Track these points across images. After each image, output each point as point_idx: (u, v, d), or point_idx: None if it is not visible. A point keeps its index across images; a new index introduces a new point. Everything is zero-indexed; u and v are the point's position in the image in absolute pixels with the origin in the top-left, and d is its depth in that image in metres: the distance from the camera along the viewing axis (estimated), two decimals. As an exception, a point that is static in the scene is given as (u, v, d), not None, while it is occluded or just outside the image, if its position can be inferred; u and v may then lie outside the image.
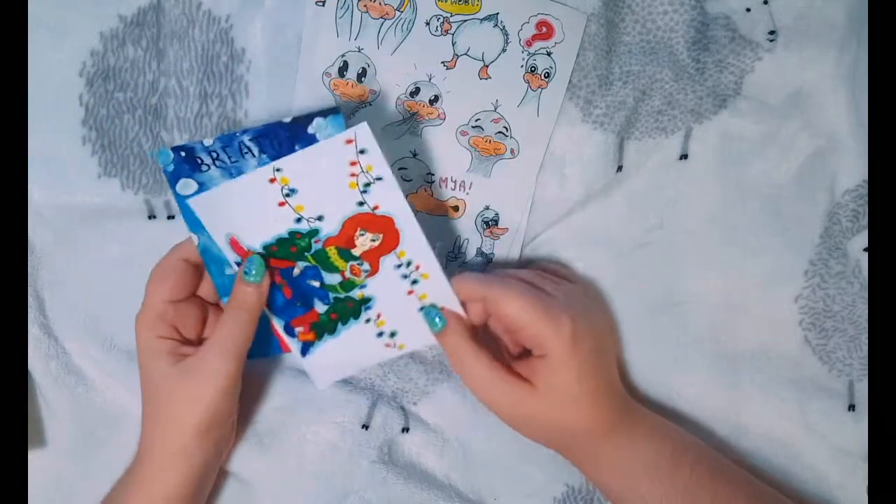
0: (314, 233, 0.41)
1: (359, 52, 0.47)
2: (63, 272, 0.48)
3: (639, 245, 0.48)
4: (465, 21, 0.46)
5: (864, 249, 0.46)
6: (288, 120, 0.40)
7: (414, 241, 0.41)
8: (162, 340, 0.42)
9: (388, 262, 0.42)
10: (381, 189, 0.39)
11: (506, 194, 0.48)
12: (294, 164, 0.38)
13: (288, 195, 0.39)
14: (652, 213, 0.48)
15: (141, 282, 0.47)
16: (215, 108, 0.47)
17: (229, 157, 0.40)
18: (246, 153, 0.40)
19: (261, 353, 0.45)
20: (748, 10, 0.47)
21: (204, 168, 0.41)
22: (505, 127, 0.47)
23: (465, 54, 0.47)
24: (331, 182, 0.39)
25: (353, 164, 0.39)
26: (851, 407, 0.47)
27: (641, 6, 0.47)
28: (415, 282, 0.42)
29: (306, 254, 0.42)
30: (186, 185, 0.41)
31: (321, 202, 0.40)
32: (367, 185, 0.39)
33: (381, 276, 0.42)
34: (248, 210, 0.40)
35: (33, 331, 0.47)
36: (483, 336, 0.44)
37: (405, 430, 0.48)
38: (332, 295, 0.43)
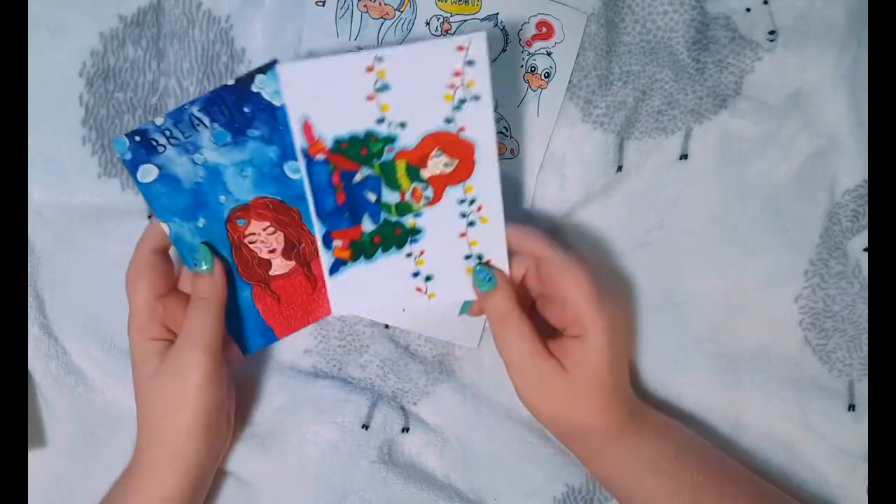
0: (390, 140, 0.40)
1: (358, 50, 0.47)
2: (63, 272, 0.48)
3: (639, 245, 0.48)
4: (465, 21, 0.46)
5: (864, 249, 0.46)
6: (231, 82, 0.40)
7: (486, 177, 0.40)
8: (153, 343, 0.41)
9: (452, 194, 0.40)
10: (475, 109, 0.38)
11: (507, 195, 0.48)
12: (398, 57, 0.37)
13: (380, 90, 0.38)
14: (652, 213, 0.48)
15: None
16: (215, 108, 0.47)
17: (183, 133, 0.40)
18: (198, 125, 0.40)
19: (255, 344, 0.45)
20: (748, 10, 0.47)
21: (160, 149, 0.40)
22: (505, 127, 0.47)
23: (465, 54, 0.47)
24: (427, 87, 0.38)
25: (456, 73, 0.38)
26: (851, 407, 0.47)
27: (641, 6, 0.47)
28: (471, 223, 0.41)
29: (374, 161, 0.40)
30: (147, 172, 0.40)
31: (409, 107, 0.39)
32: (462, 101, 0.38)
33: (439, 208, 0.40)
34: (334, 95, 0.38)
35: (33, 331, 0.47)
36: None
37: (405, 430, 0.48)
38: (383, 215, 0.41)
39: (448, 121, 0.39)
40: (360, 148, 0.40)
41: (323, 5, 0.46)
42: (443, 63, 0.38)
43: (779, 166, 0.47)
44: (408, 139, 0.39)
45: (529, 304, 0.44)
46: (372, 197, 0.41)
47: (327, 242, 0.42)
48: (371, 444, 0.48)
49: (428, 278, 0.43)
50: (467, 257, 0.42)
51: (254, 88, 0.40)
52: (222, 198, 0.42)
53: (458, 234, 0.41)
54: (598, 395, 0.41)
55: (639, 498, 0.41)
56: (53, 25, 0.46)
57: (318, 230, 0.42)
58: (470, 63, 0.37)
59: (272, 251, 0.43)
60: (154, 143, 0.40)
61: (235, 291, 0.44)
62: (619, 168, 0.48)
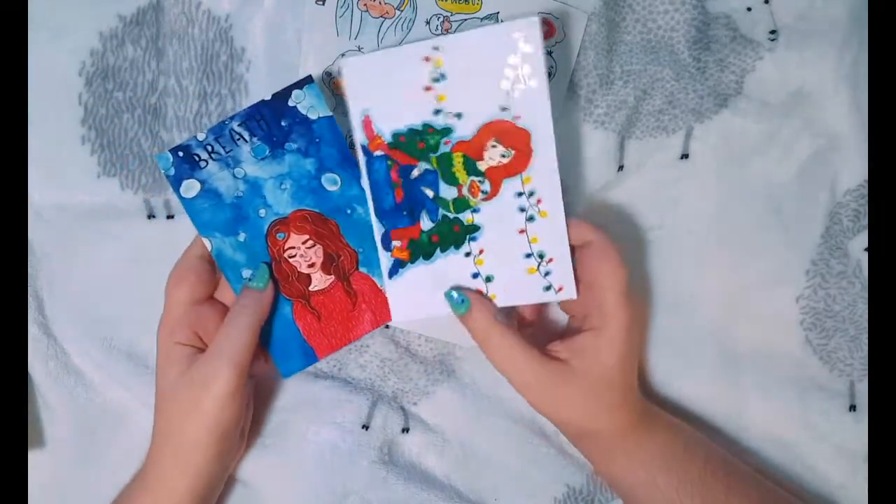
0: (447, 131, 0.40)
1: (359, 51, 0.46)
2: (63, 272, 0.48)
3: (640, 244, 0.48)
4: (466, 20, 0.46)
5: (866, 249, 0.46)
6: (268, 97, 0.40)
7: (545, 165, 0.39)
8: (180, 347, 0.41)
9: (509, 187, 0.40)
10: (530, 96, 0.38)
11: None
12: (455, 44, 0.38)
13: (436, 80, 0.38)
14: (653, 212, 0.48)
15: (141, 281, 0.48)
16: (215, 108, 0.47)
17: (224, 148, 0.41)
18: (238, 139, 0.41)
19: (296, 366, 0.44)
20: (749, 9, 0.47)
21: (202, 164, 0.41)
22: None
23: (466, 54, 0.47)
24: (483, 75, 0.38)
25: (511, 60, 0.38)
26: (852, 407, 0.47)
27: (642, 5, 0.47)
28: (531, 218, 0.40)
29: (431, 154, 0.40)
30: (190, 187, 0.41)
31: (466, 96, 0.39)
32: (517, 88, 0.38)
33: (497, 203, 0.40)
34: (392, 87, 0.39)
35: (33, 331, 0.47)
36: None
37: (405, 430, 0.48)
38: (441, 211, 0.41)
39: (503, 109, 0.39)
40: (417, 141, 0.40)
41: (323, 4, 0.46)
42: (498, 50, 0.38)
43: (780, 166, 0.47)
44: (464, 130, 0.39)
45: (518, 320, 0.44)
46: (430, 193, 0.41)
47: (386, 243, 0.42)
48: (371, 444, 0.47)
49: (488, 279, 0.41)
50: (528, 256, 0.41)
51: (290, 103, 0.41)
52: (262, 211, 0.42)
53: (517, 230, 0.40)
54: (609, 393, 0.40)
55: (646, 495, 0.41)
56: (53, 25, 0.46)
57: (377, 230, 0.42)
58: (524, 48, 0.37)
59: (311, 265, 0.43)
60: (196, 159, 0.40)
61: (276, 309, 0.43)
62: (620, 167, 0.48)
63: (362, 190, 0.42)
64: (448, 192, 0.41)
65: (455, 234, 0.41)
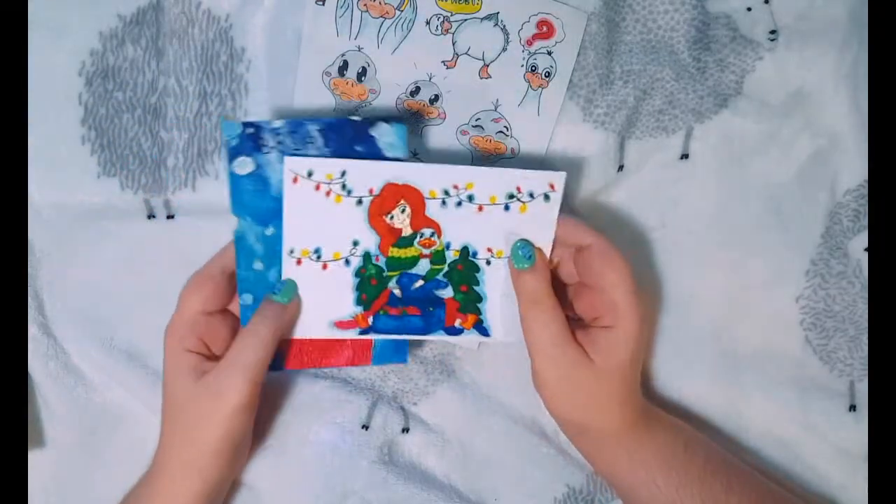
0: (367, 256, 0.41)
1: (359, 51, 0.46)
2: (63, 272, 0.48)
3: (639, 245, 0.48)
4: (466, 20, 0.46)
5: (865, 249, 0.46)
6: (357, 118, 0.40)
7: (428, 175, 0.40)
8: (188, 354, 0.41)
9: (432, 208, 0.40)
10: (354, 174, 0.39)
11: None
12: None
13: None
14: (653, 212, 0.48)
15: (141, 282, 0.48)
16: (215, 108, 0.47)
17: (293, 143, 0.40)
18: (309, 143, 0.40)
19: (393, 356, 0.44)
20: (749, 9, 0.47)
21: (265, 150, 0.40)
22: (505, 126, 0.47)
23: (466, 53, 0.47)
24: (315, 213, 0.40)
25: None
26: (852, 407, 0.47)
27: (642, 5, 0.47)
28: (471, 198, 0.40)
29: (384, 275, 0.41)
30: (243, 164, 0.40)
31: (323, 234, 0.40)
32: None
33: (446, 224, 0.41)
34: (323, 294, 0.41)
35: (33, 331, 0.47)
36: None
37: (405, 430, 0.48)
38: (440, 276, 0.42)
39: (358, 203, 0.40)
40: (370, 286, 0.42)
41: (323, 4, 0.46)
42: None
43: (780, 166, 0.47)
44: (368, 239, 0.41)
45: (560, 293, 0.43)
46: (420, 283, 0.42)
47: (455, 332, 0.43)
48: (371, 444, 0.47)
49: None
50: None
51: (372, 132, 0.40)
52: None
53: (473, 212, 0.41)
54: (619, 389, 0.40)
55: (646, 495, 0.41)
56: (53, 25, 0.46)
57: (443, 338, 0.43)
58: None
59: None
60: (262, 142, 0.40)
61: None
62: (620, 167, 0.48)
63: None
64: (422, 267, 0.42)
65: (468, 266, 0.42)
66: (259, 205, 0.40)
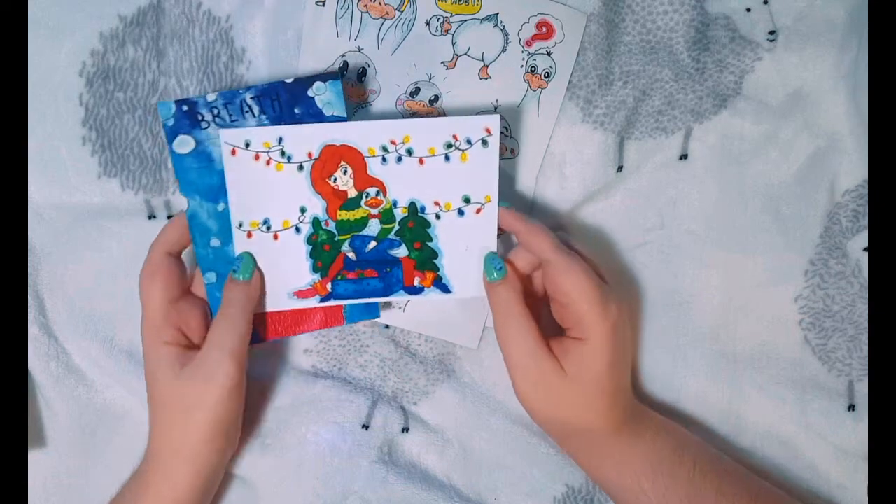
0: (316, 221, 0.41)
1: (359, 51, 0.47)
2: (63, 272, 0.48)
3: (639, 245, 0.48)
4: (465, 21, 0.46)
5: (864, 249, 0.46)
6: (290, 80, 0.40)
7: (364, 132, 0.40)
8: (168, 347, 0.41)
9: (374, 166, 0.41)
10: (291, 139, 0.40)
11: (507, 194, 0.48)
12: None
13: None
14: (652, 212, 0.48)
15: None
16: (215, 108, 0.47)
17: (230, 115, 0.40)
18: (246, 112, 0.40)
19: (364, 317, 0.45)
20: (748, 10, 0.47)
21: (203, 125, 0.40)
22: (505, 127, 0.47)
23: (466, 54, 0.47)
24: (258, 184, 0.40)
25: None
26: (851, 407, 0.47)
27: (641, 6, 0.47)
28: (410, 151, 0.41)
29: (336, 239, 0.41)
30: (183, 143, 0.40)
31: (270, 204, 0.41)
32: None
33: (390, 181, 0.41)
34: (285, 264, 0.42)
35: (33, 331, 0.47)
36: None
37: (405, 430, 0.48)
38: (391, 235, 0.42)
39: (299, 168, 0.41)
40: (323, 252, 0.42)
41: (323, 5, 0.46)
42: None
43: (779, 166, 0.47)
44: (316, 205, 0.41)
45: (533, 302, 0.44)
46: (373, 244, 0.42)
47: (415, 291, 0.43)
48: (371, 444, 0.48)
49: (467, 199, 0.42)
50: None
51: (310, 93, 0.40)
52: None
53: (416, 163, 0.41)
54: (597, 398, 0.41)
55: (634, 499, 0.41)
56: (53, 25, 0.46)
57: (399, 299, 0.44)
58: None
59: None
60: (199, 118, 0.40)
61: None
62: (620, 168, 0.48)
63: None
64: (373, 227, 0.42)
65: (419, 223, 0.42)
66: (206, 181, 0.40)
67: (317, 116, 0.41)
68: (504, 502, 0.48)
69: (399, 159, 0.41)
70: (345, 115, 0.41)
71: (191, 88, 0.47)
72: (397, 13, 0.46)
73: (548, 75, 0.47)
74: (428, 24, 0.46)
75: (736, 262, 0.48)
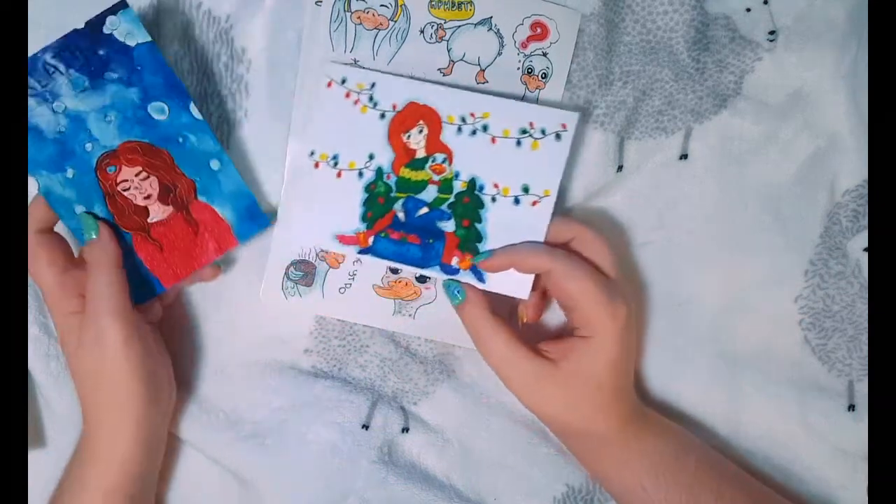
0: (380, 171, 0.42)
1: (355, 64, 0.46)
2: (63, 272, 0.48)
3: (639, 245, 0.48)
4: (460, 27, 0.46)
5: (864, 249, 0.46)
6: (81, 27, 0.39)
7: (449, 98, 0.42)
8: (74, 316, 0.42)
9: (448, 134, 0.42)
10: (383, 86, 0.42)
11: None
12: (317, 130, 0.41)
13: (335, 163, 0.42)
14: (652, 213, 0.48)
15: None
16: (215, 108, 0.47)
17: (39, 82, 0.39)
18: (53, 72, 0.39)
19: (141, 297, 0.44)
20: (748, 10, 0.47)
21: None
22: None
23: (462, 60, 0.47)
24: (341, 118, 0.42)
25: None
26: (851, 407, 0.47)
27: (641, 6, 0.47)
28: (485, 128, 0.42)
29: (391, 195, 0.42)
30: None
31: (344, 141, 0.42)
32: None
33: (459, 152, 0.42)
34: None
35: (34, 331, 0.47)
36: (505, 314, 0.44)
37: (405, 430, 0.48)
38: (444, 206, 0.42)
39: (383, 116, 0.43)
40: (377, 203, 0.43)
41: (320, 5, 0.46)
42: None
43: (779, 166, 0.47)
44: (383, 155, 0.43)
45: (509, 311, 0.45)
46: (424, 210, 0.43)
47: (451, 271, 0.43)
48: (371, 444, 0.48)
49: (525, 189, 0.43)
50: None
51: (106, 30, 0.39)
52: (88, 146, 0.41)
53: (488, 142, 0.42)
54: (598, 396, 0.41)
55: (634, 498, 0.41)
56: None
57: (437, 275, 0.43)
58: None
59: (147, 197, 0.42)
60: None
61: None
62: (620, 168, 0.48)
63: (193, 118, 0.41)
64: (429, 193, 0.43)
65: (473, 200, 0.43)
66: (44, 154, 0.40)
67: (123, 51, 0.40)
68: (504, 502, 0.48)
69: (473, 132, 0.42)
70: (149, 40, 0.40)
71: (191, 88, 0.47)
72: (391, 23, 0.46)
73: (545, 76, 0.47)
74: (422, 31, 0.46)
75: (736, 262, 0.48)
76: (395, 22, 0.46)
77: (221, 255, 0.44)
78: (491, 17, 0.46)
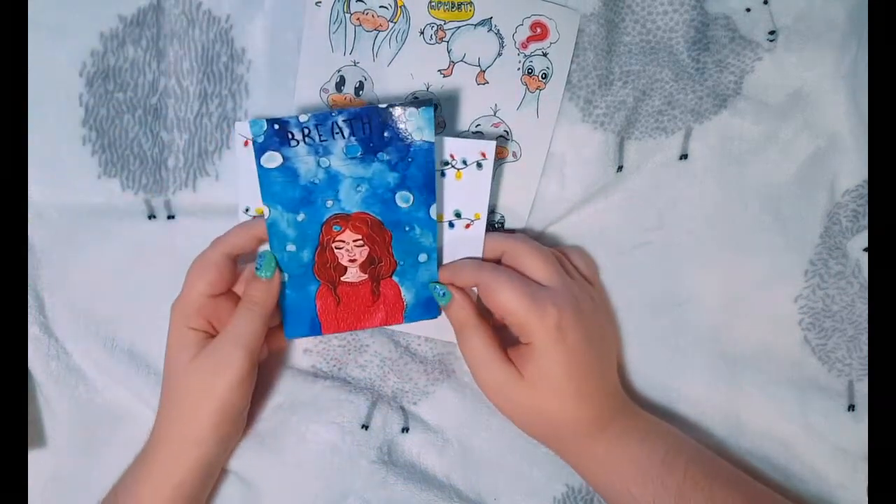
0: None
1: (355, 65, 0.46)
2: (63, 272, 0.48)
3: (639, 245, 0.48)
4: (459, 28, 0.46)
5: (864, 249, 0.46)
6: (383, 106, 0.41)
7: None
8: (193, 332, 0.42)
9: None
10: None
11: (511, 197, 0.48)
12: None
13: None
14: (652, 213, 0.48)
15: (142, 282, 0.48)
16: (215, 108, 0.47)
17: (320, 136, 0.41)
18: (337, 133, 0.41)
19: (298, 332, 0.46)
20: (748, 10, 0.47)
21: (293, 143, 0.41)
22: (506, 131, 0.47)
23: (462, 61, 0.47)
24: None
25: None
26: (851, 407, 0.47)
27: (641, 6, 0.47)
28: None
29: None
30: (271, 159, 0.41)
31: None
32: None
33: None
34: None
35: (33, 331, 0.47)
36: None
37: (405, 430, 0.48)
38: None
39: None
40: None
41: (319, 5, 0.46)
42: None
43: (779, 166, 0.47)
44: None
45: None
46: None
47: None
48: (371, 444, 0.48)
49: (457, 214, 0.45)
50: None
51: (401, 119, 0.41)
52: (329, 202, 0.43)
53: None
54: (556, 396, 0.41)
55: (623, 498, 0.41)
56: (53, 25, 0.46)
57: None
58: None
59: (352, 261, 0.44)
60: (290, 136, 0.41)
61: (304, 283, 0.45)
62: (620, 168, 0.48)
63: (428, 216, 0.43)
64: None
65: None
66: (289, 195, 0.42)
67: (406, 141, 0.42)
68: (504, 502, 0.48)
69: None
70: (432, 141, 0.42)
71: (191, 89, 0.47)
72: (390, 24, 0.46)
73: (545, 76, 0.47)
74: (422, 33, 0.46)
75: (736, 261, 0.48)
76: (395, 23, 0.46)
77: (384, 325, 0.47)
78: (491, 18, 0.46)
